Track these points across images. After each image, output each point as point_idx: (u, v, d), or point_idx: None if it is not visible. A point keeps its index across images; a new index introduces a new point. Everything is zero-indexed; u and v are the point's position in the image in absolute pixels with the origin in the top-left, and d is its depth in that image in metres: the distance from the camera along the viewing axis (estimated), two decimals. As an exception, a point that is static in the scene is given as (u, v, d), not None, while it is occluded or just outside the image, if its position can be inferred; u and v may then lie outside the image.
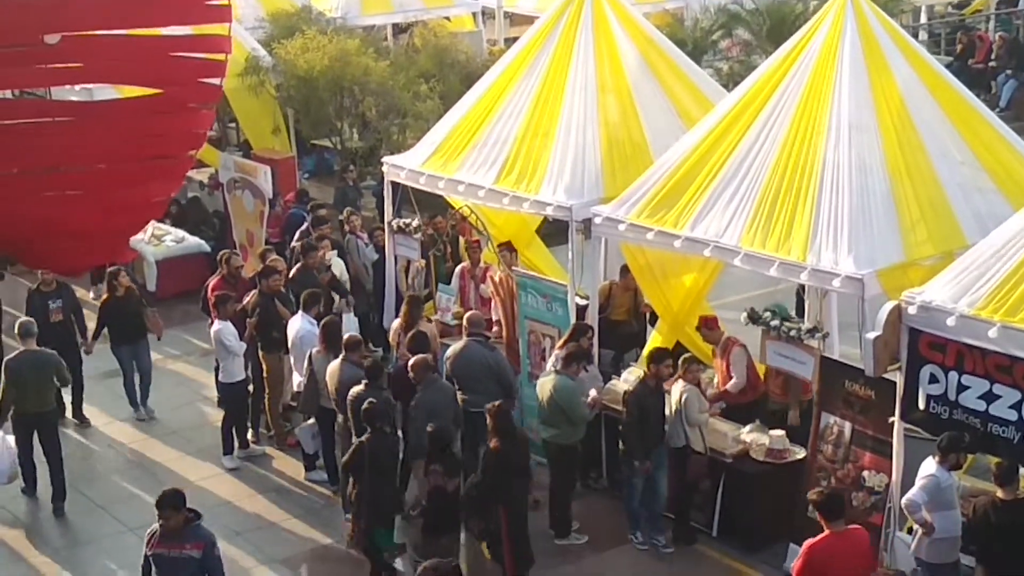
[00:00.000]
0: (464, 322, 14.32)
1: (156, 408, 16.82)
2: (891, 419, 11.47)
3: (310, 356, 14.31)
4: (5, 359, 14.88)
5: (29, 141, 13.02)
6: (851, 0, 13.33)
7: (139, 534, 10.64)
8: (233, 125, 26.48)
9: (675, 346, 14.44)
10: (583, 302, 14.73)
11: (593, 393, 13.65)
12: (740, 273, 13.71)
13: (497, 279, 15.56)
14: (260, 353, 15.59)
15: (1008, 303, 10.40)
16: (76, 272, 18.08)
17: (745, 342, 13.83)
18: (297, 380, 15.02)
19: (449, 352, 14.17)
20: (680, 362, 13.18)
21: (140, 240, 19.98)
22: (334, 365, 13.85)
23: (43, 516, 14.74)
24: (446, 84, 22.72)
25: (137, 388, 16.77)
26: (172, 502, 10.35)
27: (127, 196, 13.56)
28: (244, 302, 15.72)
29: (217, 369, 15.85)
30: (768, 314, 13.07)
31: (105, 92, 16.08)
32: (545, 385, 13.36)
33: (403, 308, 15.29)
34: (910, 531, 11.34)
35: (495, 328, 15.55)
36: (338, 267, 17.48)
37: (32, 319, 15.43)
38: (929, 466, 10.98)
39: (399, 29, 30.33)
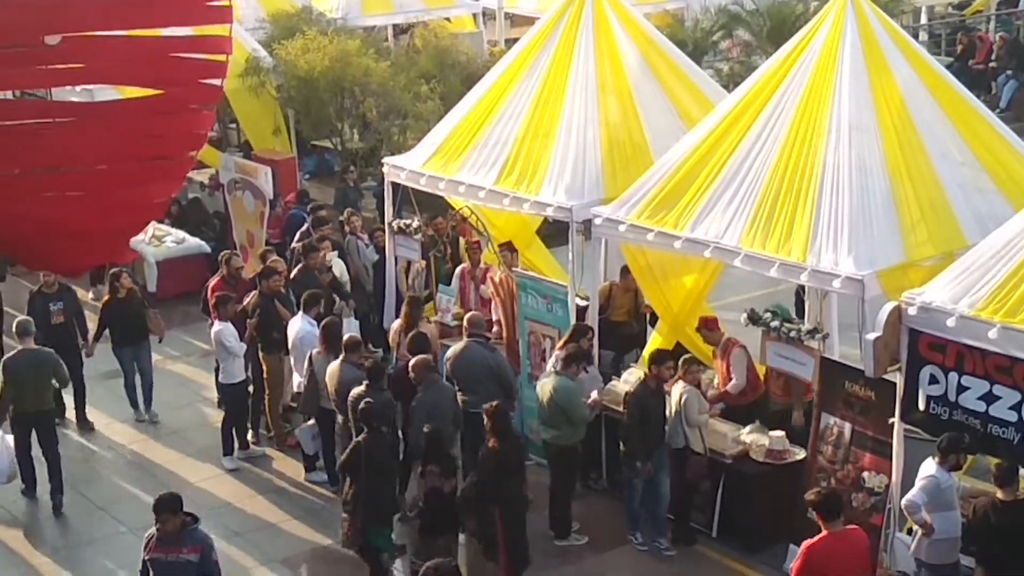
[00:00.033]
0: (464, 323, 14.33)
1: (157, 409, 16.80)
2: (891, 420, 11.47)
3: (310, 357, 14.32)
4: (3, 358, 14.88)
5: (30, 141, 12.99)
6: (851, 1, 13.34)
7: (139, 534, 10.65)
8: (234, 126, 26.49)
9: (675, 347, 14.45)
10: (583, 303, 14.73)
11: (594, 395, 13.65)
12: (740, 274, 13.72)
13: (497, 280, 15.56)
14: (260, 354, 15.59)
15: (1008, 304, 10.40)
16: (76, 273, 18.05)
17: (745, 343, 13.84)
18: (297, 381, 15.03)
19: (449, 353, 14.17)
20: (680, 363, 13.18)
21: (140, 241, 19.99)
22: (334, 366, 13.85)
23: (43, 517, 14.75)
24: (447, 85, 22.72)
25: (139, 391, 16.75)
26: (169, 506, 10.32)
27: (128, 197, 13.53)
28: (244, 303, 15.72)
29: (217, 370, 15.85)
30: (768, 315, 13.07)
31: (106, 93, 16.07)
32: (545, 386, 13.36)
33: (404, 309, 15.30)
34: (910, 532, 11.34)
35: (495, 329, 15.55)
36: (338, 268, 17.49)
37: (30, 318, 15.45)
38: (929, 467, 10.98)
39: (400, 30, 30.34)
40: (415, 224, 16.82)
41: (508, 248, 15.87)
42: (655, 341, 15.18)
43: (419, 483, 12.43)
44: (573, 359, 13.28)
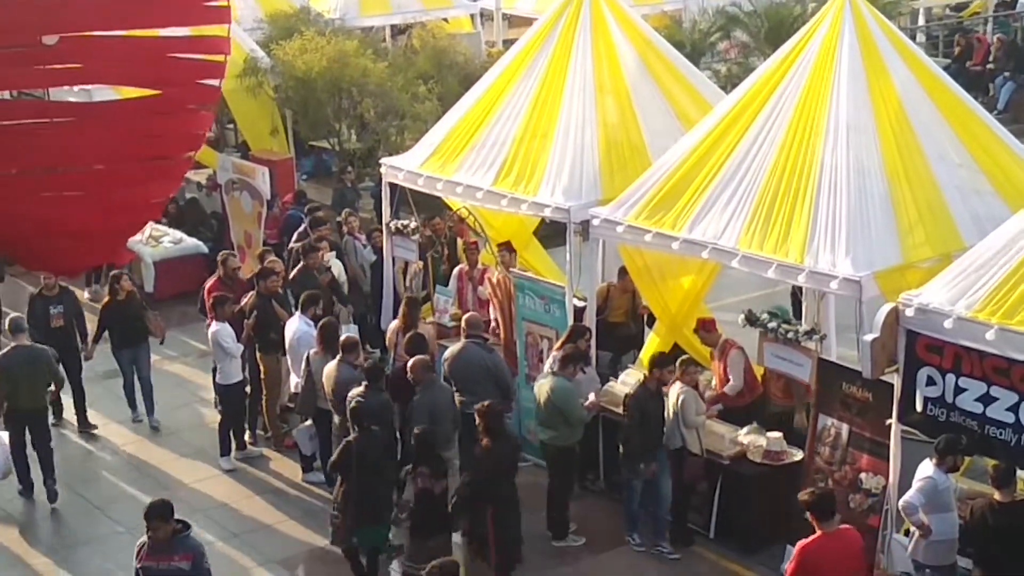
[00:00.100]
0: (462, 324, 14.32)
1: (154, 408, 16.78)
2: (888, 421, 11.46)
3: (308, 357, 14.31)
4: None
5: (27, 142, 12.99)
6: (849, 2, 13.35)
7: (136, 535, 10.64)
8: (231, 126, 26.49)
9: (673, 348, 14.45)
10: (581, 304, 14.73)
11: (592, 396, 13.65)
12: (738, 275, 13.73)
13: (495, 281, 15.57)
14: (258, 354, 15.59)
15: (1006, 305, 10.41)
16: (74, 273, 18.09)
17: (743, 344, 13.84)
18: (294, 381, 15.02)
19: (447, 354, 14.17)
20: (677, 364, 13.18)
21: (138, 241, 19.96)
22: (331, 366, 13.85)
23: (40, 517, 14.75)
24: (444, 85, 22.72)
25: (139, 397, 16.72)
26: (160, 512, 10.27)
27: (126, 197, 13.53)
28: (242, 303, 15.71)
29: (214, 370, 15.83)
30: (766, 316, 13.07)
31: (103, 93, 16.08)
32: (543, 387, 13.36)
33: (402, 309, 15.30)
34: (907, 533, 11.35)
35: (492, 327, 15.55)
36: (337, 268, 17.49)
37: (22, 315, 15.44)
38: (926, 468, 10.98)
39: (397, 30, 30.35)
40: (413, 225, 16.81)
41: (507, 248, 15.86)
42: (653, 342, 15.17)
43: (412, 484, 12.45)
44: (570, 360, 13.28)
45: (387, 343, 15.67)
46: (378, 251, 17.69)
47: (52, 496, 14.79)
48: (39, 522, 14.69)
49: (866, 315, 11.74)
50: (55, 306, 16.32)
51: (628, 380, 14.22)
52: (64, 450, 15.97)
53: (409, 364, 13.37)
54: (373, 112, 22.56)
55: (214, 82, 13.57)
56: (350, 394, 13.10)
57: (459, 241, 17.59)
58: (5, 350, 14.85)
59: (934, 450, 10.93)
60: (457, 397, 13.55)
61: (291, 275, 16.61)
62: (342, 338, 14.16)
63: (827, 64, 13.18)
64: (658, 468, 12.97)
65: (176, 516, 10.48)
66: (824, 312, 13.15)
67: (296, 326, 15.01)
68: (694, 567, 13.14)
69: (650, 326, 15.71)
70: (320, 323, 14.59)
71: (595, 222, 14.03)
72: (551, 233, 16.27)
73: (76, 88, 16.25)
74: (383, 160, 17.22)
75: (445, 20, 28.84)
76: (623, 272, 15.40)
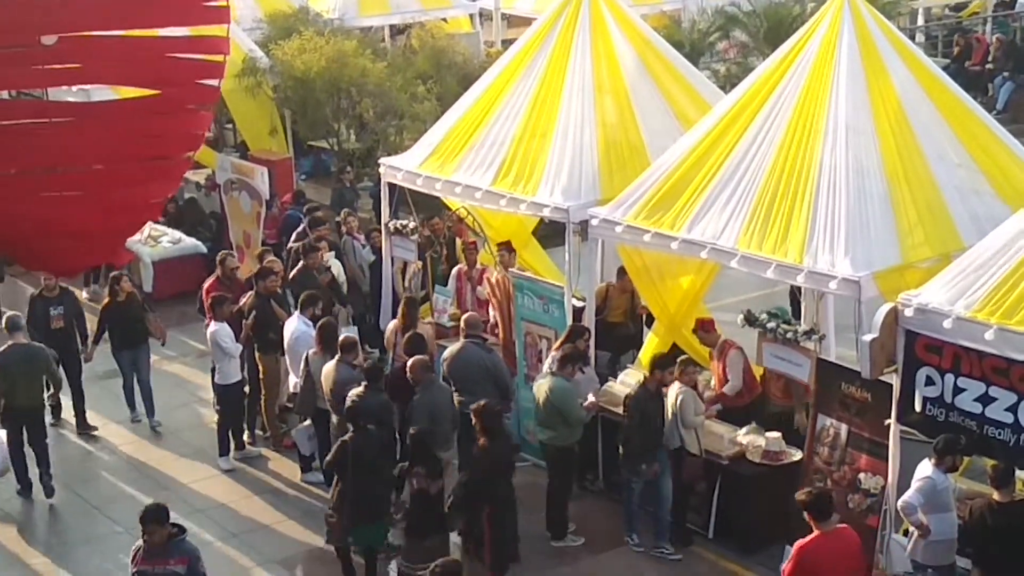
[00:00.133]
0: (461, 323, 14.32)
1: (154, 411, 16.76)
2: (887, 421, 11.45)
3: (307, 357, 14.31)
4: None
5: (27, 142, 13.01)
6: (848, 2, 13.34)
7: (134, 535, 10.62)
8: (230, 126, 26.50)
9: (672, 348, 14.44)
10: (580, 304, 14.73)
11: (591, 397, 13.65)
12: (737, 275, 13.73)
13: (494, 281, 15.56)
14: (256, 354, 15.58)
15: (1005, 305, 10.40)
16: (73, 273, 18.09)
17: (742, 344, 13.83)
18: (293, 381, 15.02)
19: (446, 354, 14.17)
20: (676, 364, 13.18)
21: (137, 241, 19.96)
22: (329, 366, 13.84)
23: (38, 517, 14.75)
24: (443, 85, 22.73)
25: (138, 398, 16.70)
26: (156, 516, 10.25)
27: (125, 197, 13.56)
28: (240, 303, 15.71)
29: (213, 370, 15.82)
30: (765, 316, 13.07)
31: (102, 93, 16.08)
32: (541, 387, 13.36)
33: (401, 309, 15.30)
34: (906, 533, 11.35)
35: (491, 326, 15.56)
36: (336, 268, 17.49)
37: (19, 313, 15.44)
38: (925, 468, 10.98)
39: (396, 30, 30.37)
40: (411, 225, 16.81)
41: (506, 247, 15.85)
42: (651, 342, 15.18)
43: (408, 484, 12.46)
44: (569, 360, 13.28)
45: (386, 343, 15.66)
46: (377, 251, 17.69)
47: (48, 491, 14.81)
48: (37, 522, 14.69)
49: (865, 315, 11.73)
50: (55, 307, 16.29)
51: (627, 380, 14.22)
52: (63, 450, 15.97)
53: (408, 364, 13.37)
54: (372, 112, 22.57)
55: (213, 82, 13.59)
56: (350, 394, 13.10)
57: (458, 241, 17.59)
58: (2, 348, 14.84)
59: (933, 450, 10.93)
60: (456, 397, 13.55)
61: (291, 275, 16.61)
62: (341, 338, 14.15)
63: (826, 64, 13.18)
64: (659, 469, 12.96)
65: (175, 516, 10.48)
66: (823, 312, 13.15)
67: (295, 326, 15.00)
68: (693, 567, 13.13)
69: (649, 326, 15.71)
70: (319, 323, 14.58)
71: (594, 222, 14.02)
72: (550, 233, 16.27)
73: (75, 88, 16.25)
74: (382, 160, 17.22)
75: (444, 20, 28.85)
76: (622, 272, 15.40)
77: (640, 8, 22.91)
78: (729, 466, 13.10)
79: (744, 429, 13.32)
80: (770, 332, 12.90)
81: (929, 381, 10.88)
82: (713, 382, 14.04)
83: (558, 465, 13.54)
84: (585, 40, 15.40)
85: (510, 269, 15.44)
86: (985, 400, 10.57)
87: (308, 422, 14.58)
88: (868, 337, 11.05)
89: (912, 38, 25.69)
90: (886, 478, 11.62)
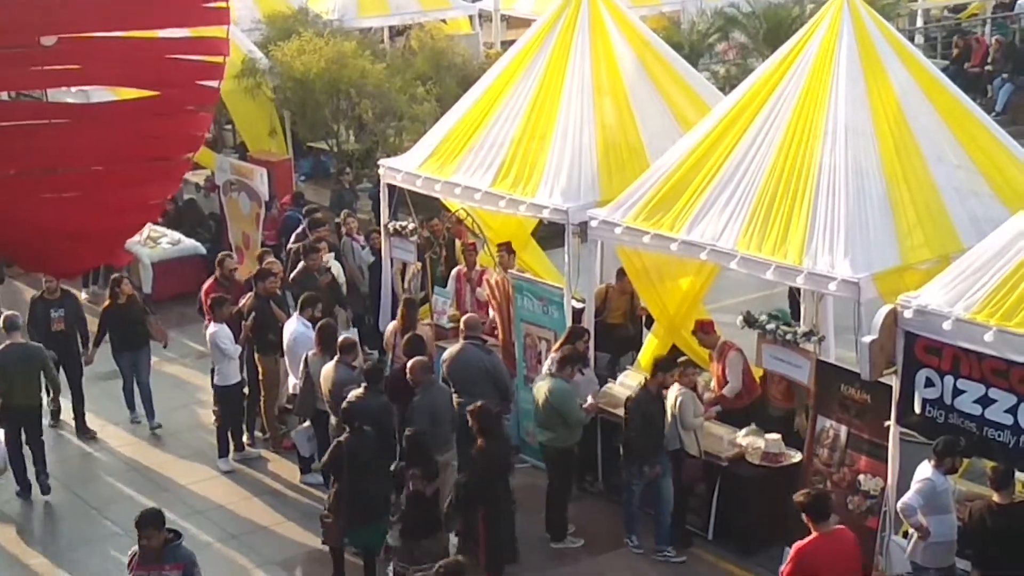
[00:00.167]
0: (461, 325, 14.32)
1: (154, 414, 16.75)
2: (887, 423, 11.46)
3: (306, 359, 14.30)
4: None
5: (26, 143, 12.99)
6: (848, 4, 13.35)
7: (133, 536, 10.61)
8: (229, 127, 26.49)
9: (671, 349, 14.44)
10: (579, 305, 14.73)
11: (590, 398, 13.65)
12: (736, 276, 13.73)
13: (493, 282, 15.56)
14: (256, 356, 15.58)
15: (1004, 307, 10.40)
16: (72, 275, 18.07)
17: (741, 346, 13.84)
18: (292, 383, 15.02)
19: (445, 355, 14.16)
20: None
21: (136, 242, 19.95)
22: (328, 367, 13.84)
23: (37, 517, 14.75)
24: (443, 87, 22.73)
25: (138, 402, 16.68)
26: (152, 521, 10.23)
27: (124, 198, 13.53)
28: (240, 305, 15.71)
29: (213, 372, 15.82)
30: (764, 317, 13.07)
31: (102, 94, 16.08)
32: (541, 388, 13.36)
33: (400, 310, 15.30)
34: (906, 535, 11.35)
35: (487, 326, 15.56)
36: (336, 270, 17.49)
37: (16, 313, 15.44)
38: (925, 470, 10.98)
39: (396, 31, 30.36)
40: (411, 226, 16.80)
41: (506, 248, 15.85)
42: (651, 344, 15.18)
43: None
44: (568, 361, 13.28)
45: (385, 344, 15.67)
46: (376, 252, 17.69)
47: (44, 489, 14.85)
48: (36, 523, 14.69)
49: (864, 317, 11.73)
50: (56, 309, 16.29)
51: (626, 381, 14.22)
52: (62, 451, 15.97)
53: (408, 365, 13.36)
54: (371, 113, 22.57)
55: (213, 83, 13.56)
56: (350, 395, 13.10)
57: (457, 242, 17.59)
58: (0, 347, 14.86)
59: (933, 452, 10.93)
60: (456, 398, 13.54)
61: (292, 276, 16.62)
62: (340, 339, 14.15)
63: (825, 65, 13.18)
64: (661, 470, 12.95)
65: (174, 517, 10.49)
66: (822, 313, 13.17)
67: (294, 327, 15.00)
68: (692, 569, 13.12)
69: (648, 327, 15.71)
70: (319, 324, 14.58)
71: (593, 223, 14.02)
72: (549, 234, 16.28)
73: (74, 89, 16.24)
74: (381, 161, 17.22)
75: (443, 21, 28.83)
76: (621, 273, 15.40)
77: (639, 9, 22.94)
78: (728, 468, 13.10)
79: (743, 431, 13.32)
80: (770, 333, 12.90)
81: (929, 383, 10.88)
82: (712, 383, 14.04)
83: (557, 466, 13.53)
84: (584, 41, 15.41)
85: (509, 270, 15.45)
86: (985, 402, 10.58)
87: (307, 423, 14.58)
88: (867, 339, 11.05)
89: (911, 39, 25.66)
90: (886, 480, 11.63)
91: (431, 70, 23.73)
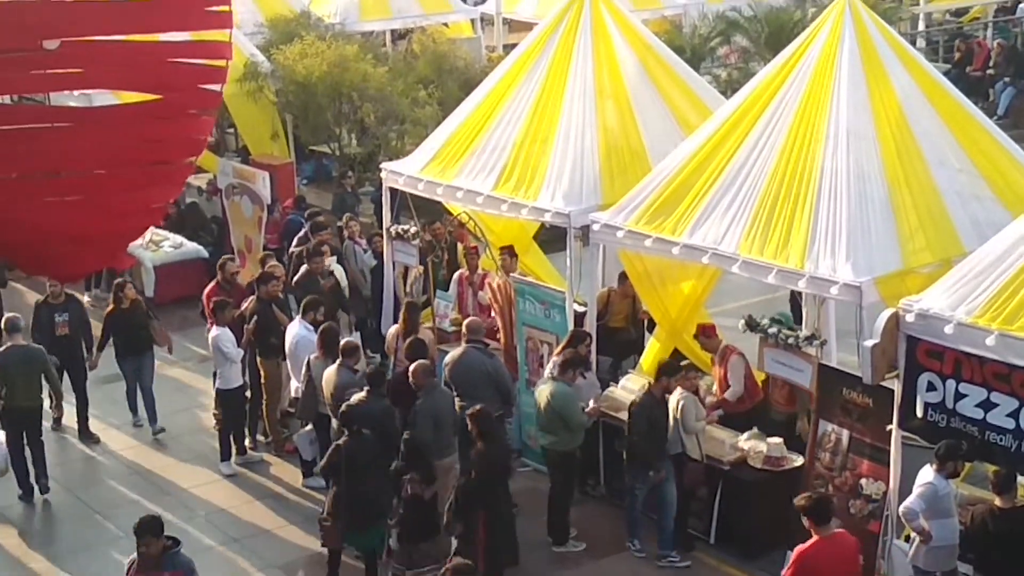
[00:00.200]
0: (463, 328, 14.32)
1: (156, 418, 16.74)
2: (889, 427, 11.46)
3: (308, 362, 14.31)
4: None
5: (28, 146, 13.01)
6: (849, 7, 13.35)
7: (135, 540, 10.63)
8: (232, 131, 26.46)
9: (673, 353, 14.44)
10: (581, 309, 14.72)
11: (592, 402, 13.65)
12: (738, 280, 13.72)
13: (495, 286, 15.56)
14: (258, 359, 15.58)
15: (1006, 311, 10.40)
16: (75, 278, 18.06)
17: (743, 350, 13.83)
18: (295, 386, 15.02)
19: (448, 359, 14.16)
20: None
21: (138, 246, 19.94)
22: (330, 371, 13.84)
23: (39, 521, 14.77)
24: (445, 90, 22.73)
25: (141, 406, 16.68)
26: (151, 528, 10.23)
27: (126, 201, 13.55)
28: (242, 308, 15.71)
29: (215, 375, 15.82)
30: (766, 321, 13.06)
31: (104, 98, 16.09)
32: (543, 392, 13.36)
33: (402, 314, 15.29)
34: (908, 539, 11.34)
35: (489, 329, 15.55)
36: (339, 273, 17.50)
37: (18, 315, 15.45)
38: (927, 474, 10.97)
39: (398, 35, 30.35)
40: (413, 229, 16.80)
41: (508, 252, 15.85)
42: (653, 348, 15.18)
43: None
44: (570, 365, 13.28)
45: (387, 348, 15.66)
46: (378, 256, 17.69)
47: (43, 489, 14.88)
48: (39, 526, 14.70)
49: (866, 320, 11.73)
50: (60, 314, 16.29)
51: (628, 385, 14.22)
52: (64, 455, 15.98)
53: (411, 369, 13.36)
54: (373, 117, 22.55)
55: (215, 87, 13.58)
56: (352, 399, 13.10)
57: (459, 246, 17.60)
58: (1, 349, 14.85)
59: (934, 456, 10.93)
60: (458, 402, 13.54)
61: (294, 280, 16.62)
62: (342, 342, 14.15)
63: (827, 69, 13.18)
64: (665, 475, 12.94)
65: (176, 521, 10.48)
66: (824, 317, 13.16)
67: (296, 331, 15.00)
68: (695, 573, 13.12)
69: (650, 331, 15.71)
70: (321, 328, 14.58)
71: (595, 227, 14.03)
72: (551, 238, 16.28)
73: (76, 93, 16.25)
74: (383, 165, 17.23)
75: (445, 25, 28.81)
76: (623, 277, 15.39)
77: (641, 13, 22.92)
78: (730, 472, 13.09)
79: (745, 435, 13.31)
80: (771, 337, 12.89)
81: (930, 387, 10.89)
82: (714, 387, 14.03)
83: (559, 470, 13.53)
84: (586, 45, 15.41)
85: (511, 274, 15.45)
86: (986, 406, 10.59)
87: (310, 427, 14.57)
88: (869, 342, 11.05)
89: (913, 43, 25.68)
90: (888, 484, 11.63)
91: (433, 74, 23.73)
